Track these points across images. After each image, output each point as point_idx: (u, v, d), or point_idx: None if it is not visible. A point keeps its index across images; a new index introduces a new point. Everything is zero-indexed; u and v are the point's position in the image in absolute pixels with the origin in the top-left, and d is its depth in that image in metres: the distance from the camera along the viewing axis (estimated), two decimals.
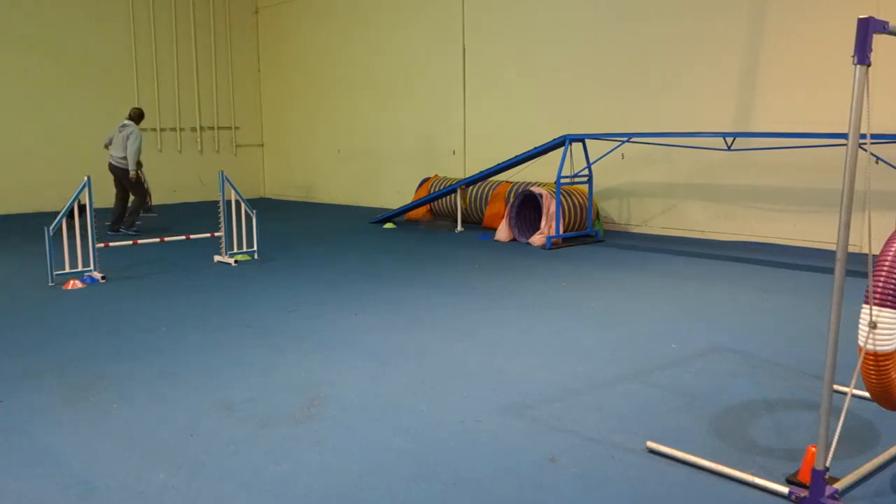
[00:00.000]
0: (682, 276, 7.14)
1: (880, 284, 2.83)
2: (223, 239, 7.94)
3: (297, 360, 4.65)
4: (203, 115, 15.16)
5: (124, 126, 9.95)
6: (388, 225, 11.03)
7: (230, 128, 15.58)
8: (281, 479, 3.09)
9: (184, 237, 8.22)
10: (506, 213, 9.51)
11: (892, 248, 2.88)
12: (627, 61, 10.02)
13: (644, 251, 8.62)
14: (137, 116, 10.19)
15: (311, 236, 10.10)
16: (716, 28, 9.20)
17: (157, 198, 13.03)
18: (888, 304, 2.83)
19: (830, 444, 2.83)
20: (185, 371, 4.46)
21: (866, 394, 2.99)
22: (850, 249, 2.77)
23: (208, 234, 8.15)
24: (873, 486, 3.01)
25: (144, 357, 4.73)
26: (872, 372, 2.88)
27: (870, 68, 2.66)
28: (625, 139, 8.78)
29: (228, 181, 7.84)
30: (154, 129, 14.38)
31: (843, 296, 2.75)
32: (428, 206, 11.27)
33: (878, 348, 2.84)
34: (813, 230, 8.55)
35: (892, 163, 7.09)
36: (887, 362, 2.87)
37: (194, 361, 4.64)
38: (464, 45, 11.98)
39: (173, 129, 14.77)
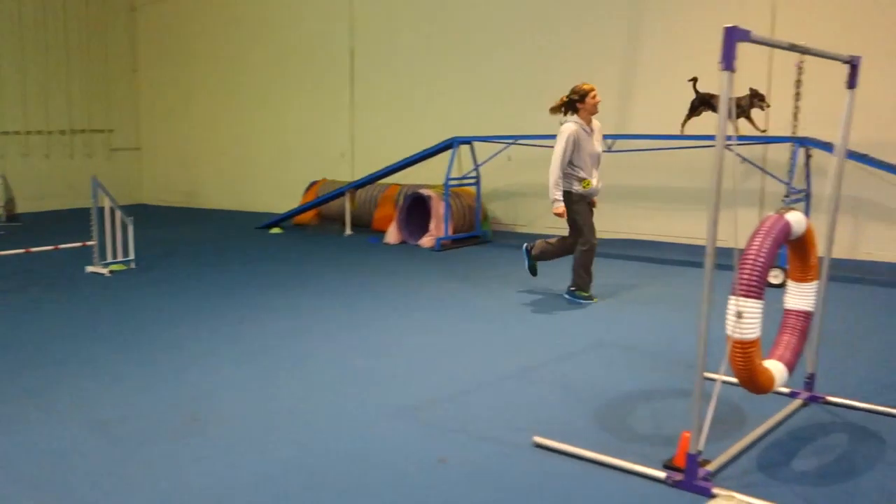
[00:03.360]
0: (568, 274, 7.33)
1: (745, 277, 3.00)
2: (96, 248, 7.55)
3: (178, 373, 4.47)
4: (74, 117, 14.36)
5: None
6: (275, 230, 10.82)
7: (104, 131, 14.84)
8: (160, 500, 2.97)
9: (52, 247, 7.76)
10: (395, 216, 9.51)
11: (756, 243, 3.07)
12: (514, 66, 10.22)
13: None
14: None
15: (194, 243, 9.77)
16: (596, 35, 9.52)
17: (23, 206, 12.29)
18: (752, 294, 3.00)
19: (703, 428, 2.98)
20: (54, 390, 4.20)
21: (735, 379, 3.16)
22: (720, 244, 2.92)
23: (80, 244, 7.72)
24: (742, 464, 3.19)
25: (5, 377, 4.43)
26: (739, 358, 3.05)
27: (735, 74, 2.81)
28: (511, 141, 8.95)
29: (101, 187, 7.47)
30: (19, 133, 13.52)
31: (712, 288, 2.90)
32: (316, 209, 11.12)
33: (744, 336, 3.02)
34: (687, 227, 8.98)
35: (756, 163, 7.54)
36: (752, 349, 3.05)
37: (63, 379, 4.38)
38: (352, 47, 11.90)
39: (41, 133, 13.91)
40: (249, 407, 3.91)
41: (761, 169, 7.62)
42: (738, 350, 3.04)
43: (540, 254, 6.51)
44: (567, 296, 6.29)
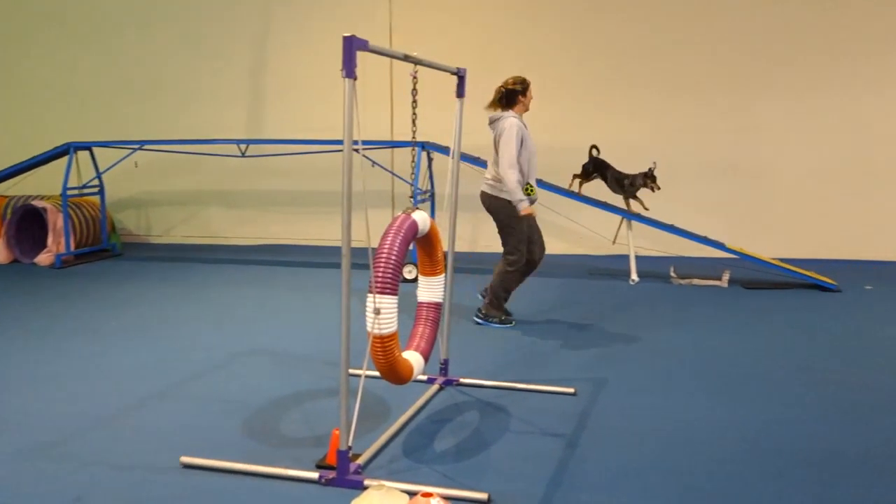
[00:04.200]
0: (210, 284, 7.09)
1: (380, 275, 3.15)
2: None
3: None
4: None
5: None
6: None
7: None
8: None
9: None
10: (2, 232, 8.34)
11: (387, 242, 3.23)
12: (134, 66, 9.58)
13: (168, 262, 8.35)
14: None
15: None
16: (222, 41, 9.32)
17: None
18: (388, 291, 3.16)
19: (351, 424, 3.07)
20: None
21: (377, 373, 3.30)
22: (355, 245, 3.03)
23: None
24: (389, 453, 3.35)
25: None
26: (380, 353, 3.19)
27: (358, 81, 2.91)
28: (137, 147, 8.37)
29: None
30: None
31: (350, 288, 2.99)
32: None
33: (383, 331, 3.16)
34: (324, 229, 9.23)
35: (385, 166, 7.99)
36: (391, 343, 3.21)
37: None
38: None
39: None
40: None
41: (390, 171, 8.11)
42: (378, 345, 3.17)
43: (497, 307, 5.62)
44: (480, 321, 5.61)
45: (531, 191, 5.30)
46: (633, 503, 2.91)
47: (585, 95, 8.57)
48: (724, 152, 8.33)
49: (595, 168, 7.40)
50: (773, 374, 4.44)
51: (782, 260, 7.31)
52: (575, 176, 7.52)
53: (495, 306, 5.61)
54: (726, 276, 7.05)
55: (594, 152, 7.45)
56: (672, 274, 7.19)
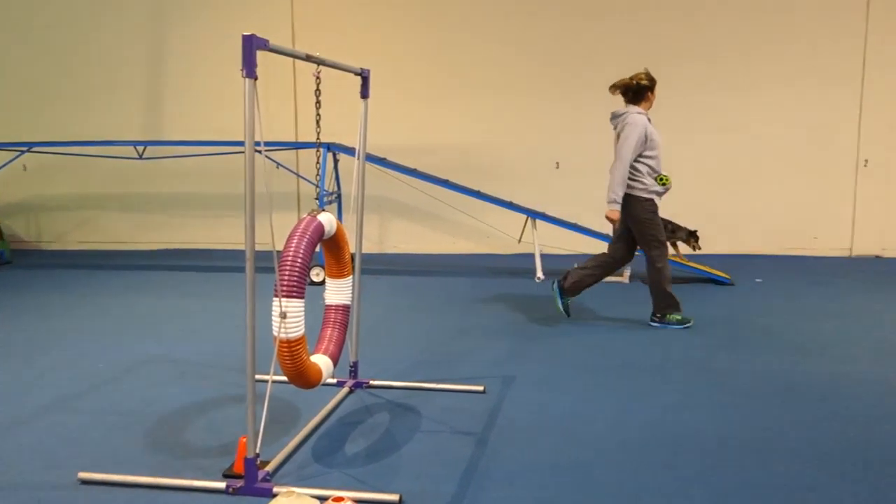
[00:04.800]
0: (106, 291, 6.82)
1: (285, 278, 3.10)
2: None
3: None
4: None
5: None
6: None
7: None
8: None
9: None
10: None
11: (292, 245, 3.19)
12: (23, 66, 9.11)
13: (61, 269, 7.98)
14: None
15: None
16: (119, 38, 8.97)
17: None
18: (294, 294, 3.12)
19: (258, 431, 3.01)
20: None
21: (285, 378, 3.25)
22: (260, 248, 2.98)
23: None
24: (299, 459, 3.31)
25: None
26: (287, 357, 3.15)
27: (260, 81, 2.87)
28: (25, 149, 7.96)
29: None
30: None
31: (256, 292, 2.94)
32: None
33: (290, 335, 3.12)
34: (227, 233, 9.02)
35: (290, 167, 7.88)
36: (299, 347, 3.17)
37: None
38: None
39: None
40: None
41: (295, 173, 8.01)
42: (285, 349, 3.13)
43: (575, 285, 5.53)
44: (656, 324, 5.47)
45: (666, 181, 5.28)
46: (541, 496, 2.97)
47: (489, 94, 8.67)
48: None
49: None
50: (668, 366, 4.61)
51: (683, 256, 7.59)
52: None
53: (670, 304, 5.44)
54: (627, 273, 7.28)
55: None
56: None
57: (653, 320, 5.55)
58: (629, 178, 5.24)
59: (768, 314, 5.88)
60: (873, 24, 8.09)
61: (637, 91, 5.20)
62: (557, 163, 8.66)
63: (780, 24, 8.21)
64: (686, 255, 7.28)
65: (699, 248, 7.16)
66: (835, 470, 3.18)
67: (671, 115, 8.51)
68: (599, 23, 8.43)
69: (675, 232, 7.13)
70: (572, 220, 7.53)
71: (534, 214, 7.44)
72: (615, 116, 5.33)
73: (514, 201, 7.56)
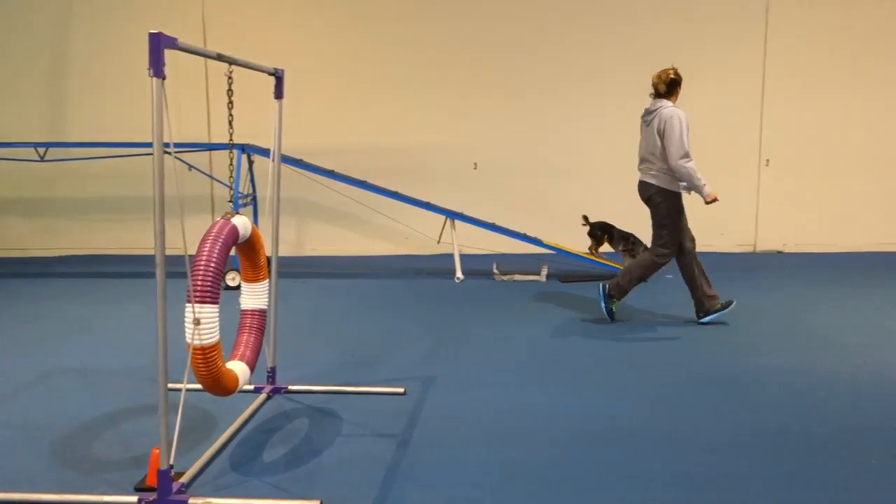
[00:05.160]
0: (6, 301, 6.49)
1: (198, 283, 3.02)
2: None
3: None
4: None
5: None
6: None
7: None
8: None
9: None
10: None
11: (205, 249, 3.10)
12: None
13: None
14: None
15: None
16: (20, 35, 8.57)
17: None
18: (207, 300, 3.04)
19: (172, 441, 2.92)
20: None
21: (200, 386, 3.16)
22: (171, 252, 2.88)
23: None
24: (215, 468, 3.22)
25: None
26: (202, 365, 3.06)
27: (171, 81, 2.77)
28: None
29: None
30: None
31: (167, 298, 2.84)
32: None
33: (204, 342, 3.04)
34: (139, 237, 8.73)
35: (203, 169, 7.68)
36: (213, 353, 3.08)
37: None
38: None
39: None
40: None
41: (208, 175, 7.81)
42: (199, 356, 3.04)
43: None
44: (603, 302, 5.62)
45: None
46: (464, 496, 2.98)
47: (406, 95, 8.67)
48: (536, 152, 8.71)
49: (602, 230, 7.47)
50: (587, 362, 4.71)
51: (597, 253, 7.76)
52: (590, 248, 7.57)
53: (619, 291, 5.61)
54: (544, 271, 7.40)
55: (586, 219, 7.52)
56: (495, 271, 7.45)
57: (611, 294, 5.67)
58: (665, 172, 5.39)
59: (680, 309, 6.07)
60: (773, 27, 8.46)
61: (671, 85, 5.42)
62: (475, 163, 8.72)
63: (682, 27, 8.49)
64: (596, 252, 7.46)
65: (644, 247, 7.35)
66: (750, 458, 3.31)
67: (589, 112, 8.70)
68: (512, 24, 8.54)
69: (637, 242, 7.35)
70: (490, 221, 7.60)
71: (452, 215, 7.47)
72: (648, 112, 5.51)
73: (433, 202, 7.58)
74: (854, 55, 8.47)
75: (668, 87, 5.42)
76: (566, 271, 7.64)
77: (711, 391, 4.17)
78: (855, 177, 8.66)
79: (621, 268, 7.30)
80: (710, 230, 8.74)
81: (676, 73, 5.45)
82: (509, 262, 7.83)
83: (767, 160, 8.60)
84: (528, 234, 7.61)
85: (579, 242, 7.93)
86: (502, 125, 8.66)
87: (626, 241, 7.35)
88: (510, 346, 5.07)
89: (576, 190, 8.72)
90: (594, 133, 8.66)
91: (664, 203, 5.45)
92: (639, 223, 8.24)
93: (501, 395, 4.13)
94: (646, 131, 5.52)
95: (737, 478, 3.12)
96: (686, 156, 5.25)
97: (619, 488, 3.03)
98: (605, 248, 7.54)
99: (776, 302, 6.29)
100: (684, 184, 5.40)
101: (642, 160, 5.60)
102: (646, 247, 7.05)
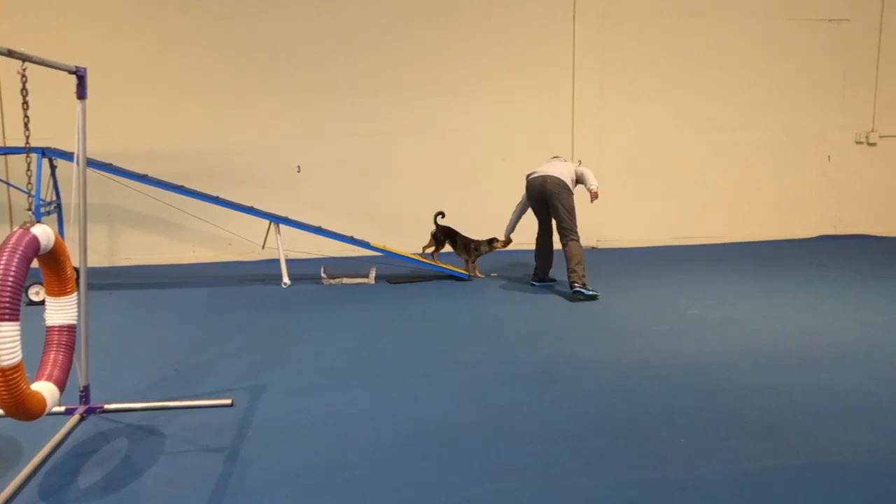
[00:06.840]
0: None
1: None
2: None
3: None
4: None
5: None
6: None
7: None
8: None
9: None
10: None
11: (2, 262, 2.83)
12: None
13: None
14: None
15: None
16: None
17: None
18: (7, 318, 2.78)
19: None
20: None
21: (1, 412, 2.89)
22: None
23: None
24: (23, 499, 2.97)
25: None
26: (2, 388, 2.79)
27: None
28: None
29: None
30: None
31: None
32: None
33: (4, 363, 2.78)
34: None
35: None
36: (15, 375, 2.83)
37: None
38: None
39: None
40: None
41: (4, 181, 7.17)
42: None
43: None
44: (577, 292, 6.42)
45: None
46: None
47: (224, 96, 8.39)
48: (360, 155, 8.74)
49: (445, 235, 7.45)
50: (417, 362, 4.78)
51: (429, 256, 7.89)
52: (425, 247, 7.48)
53: (580, 277, 6.47)
54: (373, 274, 7.43)
55: (439, 219, 7.44)
56: (323, 274, 7.38)
57: (575, 288, 6.48)
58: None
59: (501, 305, 6.30)
60: (579, 36, 8.99)
61: None
62: (299, 167, 8.59)
63: (492, 31, 8.83)
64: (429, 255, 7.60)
65: (503, 245, 7.60)
66: (570, 444, 3.49)
67: (408, 120, 8.83)
68: (333, 28, 8.50)
69: (478, 248, 7.52)
70: (315, 224, 7.52)
71: (276, 219, 7.32)
72: None
73: (256, 206, 7.39)
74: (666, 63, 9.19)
75: None
76: (395, 273, 7.70)
77: (531, 383, 4.35)
78: (654, 178, 9.39)
79: (449, 266, 7.47)
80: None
81: None
82: (337, 266, 7.79)
83: (580, 161, 9.11)
84: (356, 236, 7.61)
85: (406, 244, 8.03)
86: (325, 128, 8.60)
87: (467, 251, 7.54)
88: (339, 350, 5.04)
89: (399, 191, 8.83)
90: (415, 135, 8.81)
91: (569, 197, 6.72)
92: (465, 224, 8.52)
93: (330, 401, 4.09)
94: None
95: (558, 465, 3.28)
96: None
97: (458, 486, 3.09)
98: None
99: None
100: None
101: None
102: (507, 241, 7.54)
